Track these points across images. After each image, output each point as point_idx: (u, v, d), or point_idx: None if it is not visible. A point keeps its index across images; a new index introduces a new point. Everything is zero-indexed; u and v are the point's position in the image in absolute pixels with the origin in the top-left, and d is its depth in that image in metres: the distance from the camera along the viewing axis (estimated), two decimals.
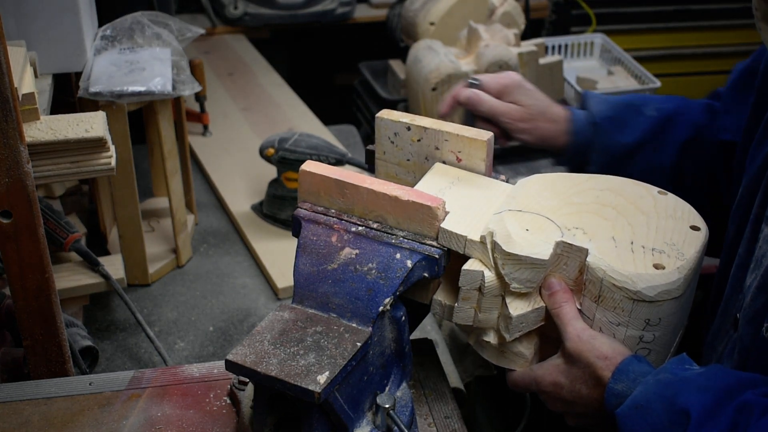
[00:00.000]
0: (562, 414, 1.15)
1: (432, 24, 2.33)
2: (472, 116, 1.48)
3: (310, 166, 1.18)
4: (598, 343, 1.08)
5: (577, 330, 1.09)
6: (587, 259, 1.08)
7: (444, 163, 1.27)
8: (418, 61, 2.22)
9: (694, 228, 1.14)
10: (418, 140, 1.26)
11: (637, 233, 1.12)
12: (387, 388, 1.13)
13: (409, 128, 1.25)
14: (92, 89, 1.60)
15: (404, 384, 1.16)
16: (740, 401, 0.96)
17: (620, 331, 1.09)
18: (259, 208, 2.03)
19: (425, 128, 1.25)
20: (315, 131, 2.30)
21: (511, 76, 1.45)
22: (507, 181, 1.26)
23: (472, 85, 1.44)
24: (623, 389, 1.04)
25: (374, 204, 1.14)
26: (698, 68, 3.31)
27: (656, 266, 1.07)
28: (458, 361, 1.65)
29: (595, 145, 1.42)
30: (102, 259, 1.62)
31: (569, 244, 1.09)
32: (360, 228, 1.14)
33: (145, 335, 1.61)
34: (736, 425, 0.95)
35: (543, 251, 1.09)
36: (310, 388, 0.97)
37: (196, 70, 1.97)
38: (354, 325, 1.07)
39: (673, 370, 1.04)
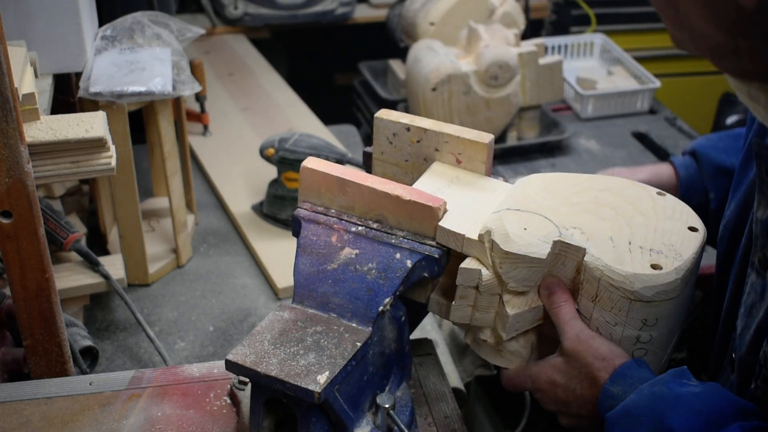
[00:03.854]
0: (556, 414, 1.15)
1: (432, 24, 2.33)
2: None
3: (311, 162, 1.18)
4: (596, 344, 1.08)
5: (575, 330, 1.09)
6: (585, 258, 1.08)
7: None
8: (418, 61, 2.22)
9: (692, 229, 1.14)
10: (418, 141, 1.26)
11: (635, 234, 1.12)
12: (387, 388, 1.14)
13: (408, 129, 1.25)
14: (92, 89, 1.60)
15: (404, 384, 1.17)
16: None
17: (617, 330, 1.09)
18: (259, 208, 2.03)
19: (425, 129, 1.25)
20: (315, 131, 2.30)
21: (606, 171, 1.40)
22: (506, 182, 1.26)
23: None
24: (618, 392, 1.03)
25: (375, 203, 1.14)
26: (698, 68, 3.30)
27: (654, 267, 1.07)
28: (458, 361, 1.66)
29: (705, 171, 1.38)
30: (102, 259, 1.62)
31: (567, 243, 1.10)
32: (360, 228, 1.14)
33: (145, 335, 1.61)
34: None
35: (541, 250, 1.09)
36: (310, 387, 0.97)
37: (196, 70, 1.97)
38: (354, 325, 1.07)
39: (670, 383, 1.02)
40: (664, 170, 1.43)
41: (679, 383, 1.03)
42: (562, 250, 1.10)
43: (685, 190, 1.40)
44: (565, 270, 1.11)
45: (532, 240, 1.10)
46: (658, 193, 1.21)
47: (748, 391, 1.09)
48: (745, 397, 1.09)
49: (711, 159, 1.37)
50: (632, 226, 1.14)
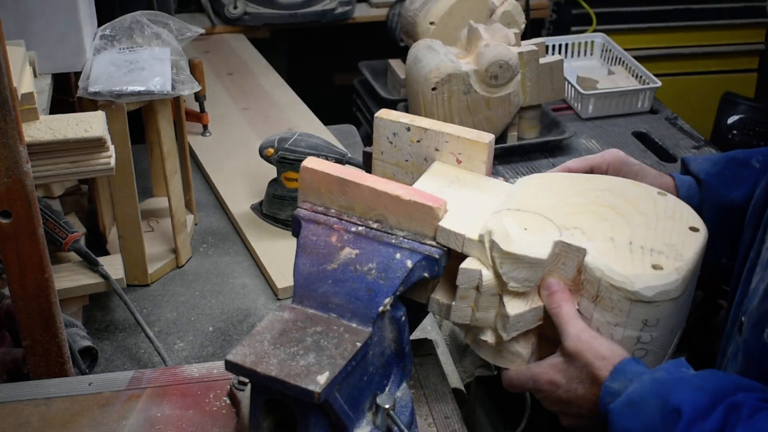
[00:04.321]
0: (557, 414, 1.15)
1: (432, 24, 2.33)
2: None
3: (311, 162, 1.18)
4: (597, 344, 1.08)
5: (577, 329, 1.09)
6: (585, 259, 1.08)
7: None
8: (418, 60, 2.22)
9: (693, 229, 1.14)
10: (418, 141, 1.26)
11: (636, 234, 1.12)
12: (387, 388, 1.13)
13: (408, 129, 1.25)
14: (91, 89, 1.60)
15: (404, 384, 1.16)
16: (731, 401, 0.97)
17: (618, 331, 1.09)
18: (258, 208, 2.03)
19: (425, 129, 1.24)
20: (315, 131, 2.29)
21: (616, 155, 1.37)
22: (506, 182, 1.26)
23: None
24: (619, 388, 1.04)
25: (375, 202, 1.14)
26: (698, 68, 3.31)
27: (654, 267, 1.07)
28: (458, 361, 1.65)
29: (704, 203, 1.35)
30: (101, 259, 1.62)
31: (567, 243, 1.09)
32: (360, 228, 1.14)
33: (145, 335, 1.61)
34: (726, 423, 0.95)
35: (541, 250, 1.09)
36: (310, 388, 0.97)
37: (195, 69, 1.97)
38: (354, 325, 1.07)
39: (669, 370, 1.04)
40: (668, 187, 1.38)
41: (678, 370, 1.04)
42: (563, 250, 1.10)
43: None
44: (565, 270, 1.11)
45: (532, 240, 1.09)
46: (659, 193, 1.21)
47: (760, 341, 1.09)
48: (755, 352, 1.10)
49: (716, 194, 1.33)
50: (633, 226, 1.13)
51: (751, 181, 1.33)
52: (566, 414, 1.13)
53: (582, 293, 1.10)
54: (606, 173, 1.36)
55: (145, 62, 1.67)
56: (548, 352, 1.15)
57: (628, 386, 1.04)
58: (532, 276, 1.10)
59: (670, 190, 1.37)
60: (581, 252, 1.09)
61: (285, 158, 1.92)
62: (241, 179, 2.16)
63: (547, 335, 1.16)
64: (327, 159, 1.89)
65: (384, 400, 1.08)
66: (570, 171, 1.36)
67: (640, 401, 1.01)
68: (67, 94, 1.76)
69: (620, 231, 1.12)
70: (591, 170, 1.36)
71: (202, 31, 1.88)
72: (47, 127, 1.32)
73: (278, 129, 2.33)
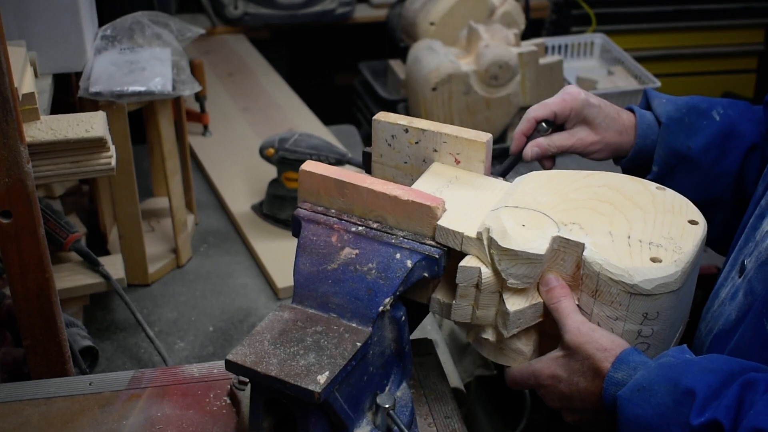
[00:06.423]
0: (559, 410, 1.15)
1: (432, 24, 2.33)
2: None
3: (310, 165, 1.18)
4: (597, 336, 1.08)
5: (576, 323, 1.09)
6: (584, 253, 1.08)
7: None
8: (418, 61, 2.22)
9: (692, 222, 1.14)
10: (416, 142, 1.26)
11: (635, 228, 1.12)
12: (387, 388, 1.13)
13: (406, 130, 1.25)
14: (92, 89, 1.60)
15: (404, 384, 1.16)
16: (745, 379, 0.97)
17: (618, 325, 1.09)
18: (259, 208, 2.03)
19: (423, 130, 1.25)
20: (315, 131, 2.30)
21: (577, 97, 1.40)
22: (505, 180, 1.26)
23: (541, 129, 1.41)
24: (623, 377, 1.04)
25: (374, 204, 1.14)
26: (698, 68, 3.31)
27: (653, 260, 1.07)
28: (458, 361, 1.66)
29: (660, 146, 1.39)
30: (102, 259, 1.62)
31: (566, 239, 1.10)
32: (360, 228, 1.14)
33: (145, 335, 1.61)
34: (742, 401, 0.95)
35: (539, 246, 1.09)
36: (310, 388, 0.97)
37: (196, 70, 1.97)
38: (354, 325, 1.07)
39: (674, 355, 1.05)
40: (626, 128, 1.42)
41: (683, 356, 1.05)
42: (561, 245, 1.10)
43: (634, 156, 1.41)
44: (564, 266, 1.11)
45: (530, 236, 1.09)
46: (657, 188, 1.21)
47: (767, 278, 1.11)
48: (758, 289, 1.11)
49: (673, 139, 1.38)
50: (631, 220, 1.13)
51: (708, 132, 1.37)
52: (569, 409, 1.13)
53: (581, 288, 1.10)
54: (569, 117, 1.39)
55: (145, 62, 1.67)
56: (550, 348, 1.15)
57: (632, 375, 1.03)
58: (531, 272, 1.10)
59: (630, 126, 1.41)
60: (579, 247, 1.09)
61: (285, 158, 1.93)
62: (241, 179, 2.16)
63: (548, 332, 1.16)
64: (327, 159, 1.90)
65: (384, 400, 1.08)
66: (535, 119, 1.39)
67: (649, 386, 1.01)
68: (68, 95, 1.76)
69: (618, 225, 1.12)
70: (555, 116, 1.39)
71: (203, 31, 1.88)
72: (48, 128, 1.33)
73: (278, 129, 2.34)
